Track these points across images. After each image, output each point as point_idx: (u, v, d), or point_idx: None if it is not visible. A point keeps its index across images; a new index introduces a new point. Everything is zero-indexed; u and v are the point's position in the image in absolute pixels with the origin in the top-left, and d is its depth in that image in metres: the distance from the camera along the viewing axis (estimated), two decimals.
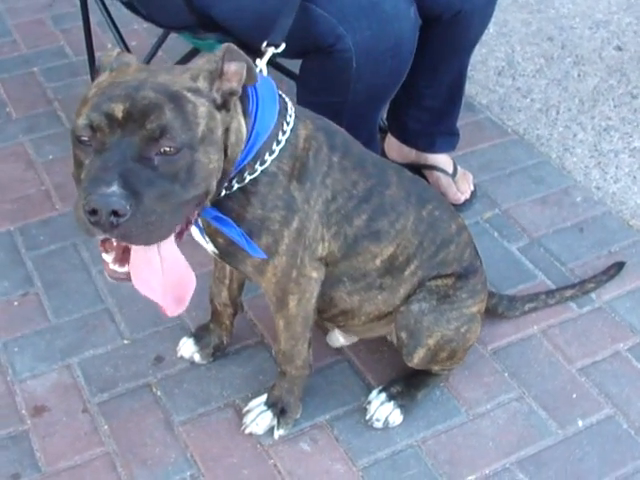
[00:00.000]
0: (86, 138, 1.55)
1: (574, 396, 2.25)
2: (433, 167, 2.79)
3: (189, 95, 1.60)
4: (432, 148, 2.79)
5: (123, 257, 1.66)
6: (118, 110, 1.53)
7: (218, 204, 1.79)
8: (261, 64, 1.98)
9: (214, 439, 2.15)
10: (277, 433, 2.15)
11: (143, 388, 2.27)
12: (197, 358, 2.31)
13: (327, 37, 2.22)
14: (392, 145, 2.85)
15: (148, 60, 3.01)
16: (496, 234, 2.69)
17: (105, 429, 2.17)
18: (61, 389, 2.27)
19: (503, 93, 3.31)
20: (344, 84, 2.28)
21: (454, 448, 2.13)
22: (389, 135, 2.86)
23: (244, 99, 1.74)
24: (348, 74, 2.25)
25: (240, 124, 1.72)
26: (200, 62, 1.67)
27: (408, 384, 2.22)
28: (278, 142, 1.80)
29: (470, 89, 3.21)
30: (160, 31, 3.12)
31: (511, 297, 2.43)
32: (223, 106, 1.66)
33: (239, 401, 2.23)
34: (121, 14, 2.95)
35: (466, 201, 2.77)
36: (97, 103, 1.54)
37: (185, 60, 2.91)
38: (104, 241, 1.66)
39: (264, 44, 2.03)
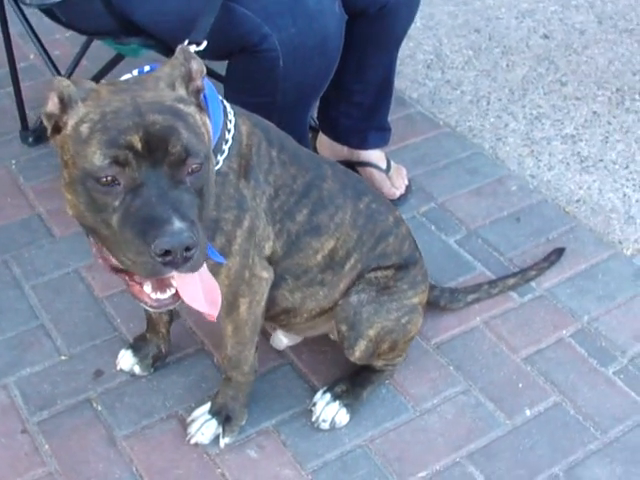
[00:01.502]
0: (110, 178, 1.47)
1: (520, 386, 2.24)
2: (366, 163, 2.77)
3: (182, 107, 1.55)
4: (364, 144, 2.77)
5: (161, 283, 1.59)
6: (136, 141, 1.46)
7: None
8: None
9: (159, 452, 2.10)
10: (223, 441, 2.10)
11: (83, 404, 2.21)
12: (137, 370, 2.26)
13: (252, 36, 2.18)
14: (324, 143, 2.82)
15: (72, 69, 2.95)
16: (433, 227, 2.67)
17: (46, 449, 2.11)
18: None
19: (433, 86, 3.30)
20: (272, 84, 2.25)
21: (403, 445, 2.11)
22: (320, 133, 2.83)
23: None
24: (275, 73, 2.22)
25: (208, 125, 1.67)
26: (165, 69, 1.61)
27: (353, 383, 2.19)
28: (226, 141, 1.76)
29: (400, 83, 3.19)
30: (83, 40, 3.06)
31: (453, 289, 2.42)
32: (199, 107, 1.62)
33: (182, 411, 2.18)
34: (42, 23, 2.87)
35: (401, 196, 2.75)
36: (109, 139, 1.46)
37: (110, 67, 2.85)
38: (130, 277, 1.60)
39: (185, 42, 1.99)
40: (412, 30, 3.47)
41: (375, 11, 2.44)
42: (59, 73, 2.76)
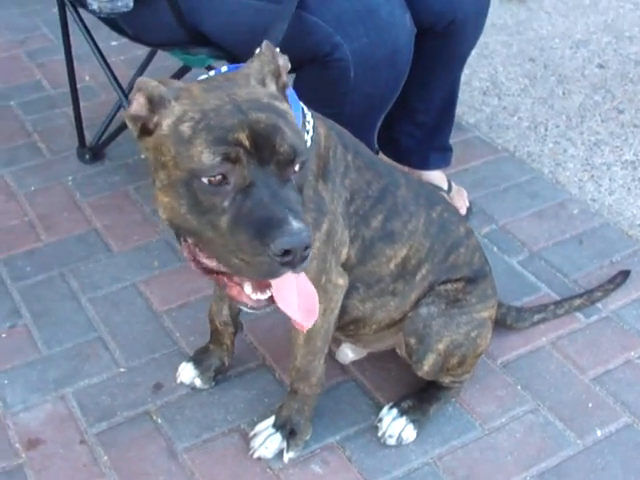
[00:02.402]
0: (221, 177, 1.43)
1: (590, 405, 2.18)
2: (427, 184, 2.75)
3: (278, 104, 1.52)
4: (426, 165, 2.74)
5: (261, 284, 1.55)
6: (244, 138, 1.43)
7: None
8: None
9: (221, 465, 2.05)
10: (287, 456, 2.05)
11: (143, 416, 2.17)
12: (198, 383, 2.22)
13: (323, 46, 2.17)
14: None
15: (128, 90, 2.95)
16: (495, 249, 2.64)
17: (105, 460, 2.07)
18: (56, 420, 2.16)
19: (490, 112, 3.29)
20: (341, 94, 2.23)
21: (472, 463, 2.05)
22: (381, 154, 2.81)
23: None
24: (345, 84, 2.21)
25: None
26: (254, 66, 1.59)
27: (419, 399, 2.14)
28: (305, 142, 1.68)
29: (457, 109, 3.17)
30: (139, 62, 3.07)
31: (519, 308, 2.37)
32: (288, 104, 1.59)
33: (244, 425, 2.13)
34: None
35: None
36: (217, 137, 1.43)
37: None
38: (229, 278, 1.56)
39: (256, 51, 1.98)
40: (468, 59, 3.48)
41: (442, 28, 2.43)
42: (122, 91, 2.76)
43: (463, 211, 2.73)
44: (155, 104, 1.50)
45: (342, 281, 1.90)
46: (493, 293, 2.14)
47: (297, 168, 1.48)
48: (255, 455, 2.05)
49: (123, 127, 2.97)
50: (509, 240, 2.67)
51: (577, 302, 2.41)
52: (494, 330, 2.25)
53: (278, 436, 2.06)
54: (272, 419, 2.09)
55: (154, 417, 2.16)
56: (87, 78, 3.44)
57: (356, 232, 1.89)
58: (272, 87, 1.57)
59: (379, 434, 2.10)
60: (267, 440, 2.06)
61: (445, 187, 2.75)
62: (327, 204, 1.78)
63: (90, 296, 2.48)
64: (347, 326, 2.07)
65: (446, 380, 2.13)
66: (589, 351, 2.32)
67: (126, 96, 2.78)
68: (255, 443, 2.07)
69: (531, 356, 2.31)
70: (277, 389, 2.20)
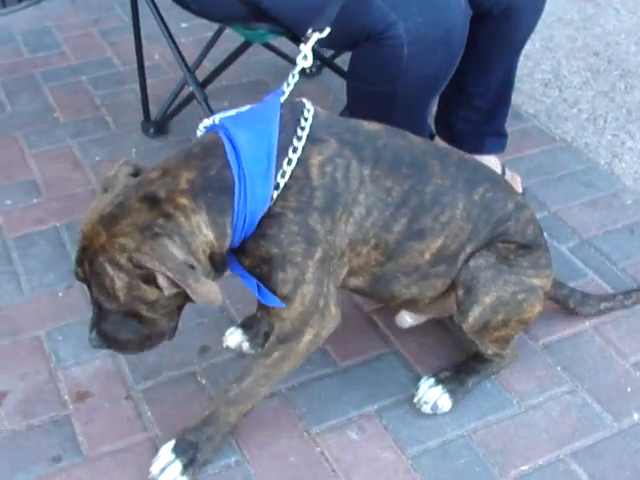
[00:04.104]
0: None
1: (629, 390, 2.19)
2: None
3: (109, 269, 1.74)
4: (481, 149, 2.76)
5: None
6: (79, 272, 1.81)
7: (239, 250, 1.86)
8: (306, 49, 2.00)
9: (260, 427, 2.11)
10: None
11: (188, 376, 2.24)
12: (245, 347, 2.28)
13: (378, 24, 2.21)
14: None
15: (196, 67, 3.02)
16: (545, 234, 2.61)
17: (149, 415, 2.14)
18: (104, 376, 2.24)
19: (550, 103, 3.29)
20: (394, 73, 2.26)
21: (506, 439, 2.08)
22: (437, 137, 2.84)
23: (224, 207, 1.77)
24: (399, 62, 2.24)
25: (208, 236, 1.77)
26: (139, 240, 1.72)
27: (458, 370, 2.17)
28: (277, 186, 1.80)
29: (517, 99, 3.20)
30: (204, 41, 3.15)
31: (585, 294, 2.37)
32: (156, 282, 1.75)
33: (285, 390, 2.19)
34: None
35: None
36: (75, 258, 1.82)
37: (236, 55, 2.94)
38: None
39: (309, 30, 2.03)
40: (531, 50, 3.50)
41: (499, 12, 2.45)
42: (188, 69, 2.85)
43: None
44: (104, 188, 1.88)
45: (335, 311, 1.96)
46: (547, 265, 2.14)
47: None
48: None
49: (187, 104, 3.06)
50: (560, 227, 2.68)
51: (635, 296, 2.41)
52: (553, 311, 2.28)
53: (178, 464, 1.98)
54: (173, 442, 2.01)
55: (199, 378, 2.23)
56: (156, 57, 3.54)
57: (377, 241, 1.93)
58: (123, 260, 1.74)
59: (415, 400, 2.13)
60: (167, 469, 1.98)
61: (499, 172, 2.75)
62: (321, 235, 1.83)
63: None
64: (402, 305, 2.12)
65: (488, 350, 2.14)
66: (632, 337, 2.33)
67: (192, 74, 2.86)
68: (154, 469, 1.99)
69: (573, 339, 2.32)
70: (319, 357, 2.25)
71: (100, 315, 1.84)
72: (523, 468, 2.01)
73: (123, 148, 3.06)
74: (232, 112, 1.90)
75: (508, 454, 2.04)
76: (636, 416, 2.13)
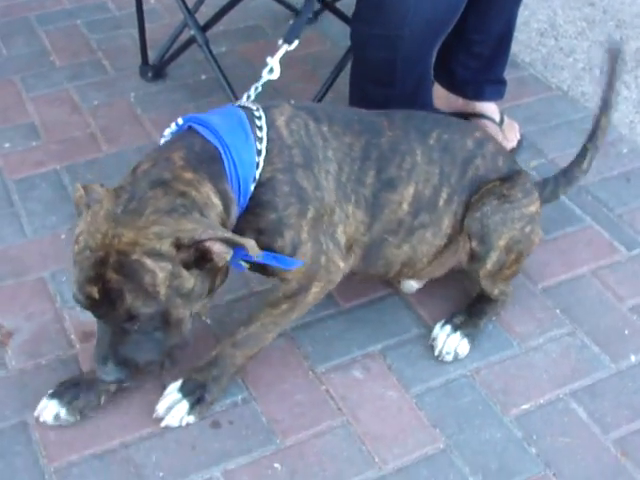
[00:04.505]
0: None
1: (626, 332, 2.24)
2: (480, 115, 2.79)
3: (148, 262, 1.67)
4: (480, 96, 2.78)
5: None
6: (94, 292, 1.70)
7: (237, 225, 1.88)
8: (273, 62, 2.16)
9: (265, 366, 2.14)
10: (186, 419, 2.00)
11: (192, 316, 2.25)
12: (63, 414, 2.03)
13: None
14: (439, 94, 2.84)
15: (194, 11, 3.00)
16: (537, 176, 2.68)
17: None
18: None
19: (546, 52, 3.31)
20: (401, 16, 2.26)
21: (508, 378, 2.12)
22: (436, 84, 2.85)
23: (220, 174, 1.81)
24: (407, 6, 2.24)
25: (218, 206, 1.79)
26: (172, 222, 1.69)
27: (469, 313, 2.21)
28: (259, 152, 1.85)
29: (513, 47, 3.15)
30: None
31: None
32: (196, 264, 1.73)
33: (290, 330, 2.21)
34: None
35: (513, 149, 2.76)
36: (79, 282, 1.72)
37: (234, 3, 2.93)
38: None
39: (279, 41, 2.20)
40: (527, 0, 3.50)
41: None
42: (188, 10, 2.85)
43: (514, 144, 2.77)
44: (78, 213, 1.80)
45: (343, 264, 2.00)
46: (532, 187, 2.19)
47: (139, 324, 1.74)
48: (162, 424, 2.00)
49: (185, 48, 3.05)
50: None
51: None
52: (535, 256, 2.32)
53: (185, 404, 2.01)
54: (179, 382, 2.03)
55: (203, 317, 2.25)
56: (152, 1, 3.53)
57: (356, 197, 1.99)
58: (168, 248, 1.68)
59: (436, 353, 2.16)
60: (174, 408, 2.01)
61: (497, 119, 2.79)
62: (309, 192, 1.89)
63: None
64: (401, 272, 2.16)
65: (495, 290, 2.19)
66: (629, 282, 2.37)
67: (193, 17, 2.86)
68: (160, 408, 2.02)
69: (571, 283, 2.37)
70: (323, 298, 2.28)
71: (117, 340, 1.76)
72: (524, 407, 2.06)
73: (122, 92, 3.05)
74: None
75: (510, 393, 2.09)
76: (633, 358, 2.18)
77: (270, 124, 1.89)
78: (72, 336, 2.20)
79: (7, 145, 2.82)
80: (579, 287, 2.36)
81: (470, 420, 2.03)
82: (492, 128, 2.76)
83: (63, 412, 1.98)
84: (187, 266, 1.71)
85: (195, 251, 1.70)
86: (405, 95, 2.41)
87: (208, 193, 1.77)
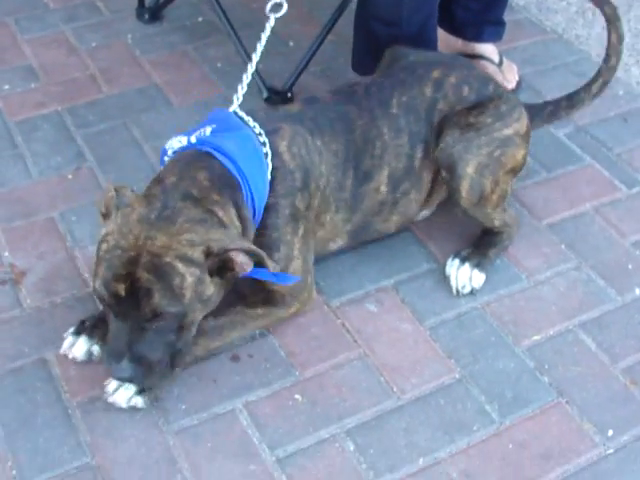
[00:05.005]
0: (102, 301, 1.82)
1: (630, 267, 2.29)
2: (480, 56, 2.81)
3: (180, 266, 1.76)
4: (480, 37, 2.81)
5: None
6: (121, 289, 1.76)
7: None
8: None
9: None
10: (134, 400, 1.94)
11: None
12: (96, 352, 2.06)
13: None
14: (439, 36, 2.84)
15: None
16: None
17: None
18: None
19: None
20: None
21: (518, 311, 2.18)
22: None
23: (241, 201, 1.91)
24: None
25: (239, 228, 1.89)
26: (203, 231, 1.79)
27: (476, 245, 2.27)
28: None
29: None
30: None
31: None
32: (218, 272, 1.83)
33: None
34: None
35: (512, 90, 2.79)
36: (105, 279, 1.77)
37: None
38: None
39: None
40: None
41: None
42: None
43: (513, 85, 2.81)
44: (107, 213, 1.84)
45: (314, 293, 2.15)
46: (510, 109, 2.22)
47: (159, 323, 1.79)
48: (110, 400, 1.94)
49: None
50: None
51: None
52: (539, 193, 2.37)
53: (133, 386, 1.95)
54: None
55: None
56: None
57: (336, 204, 2.11)
58: (198, 255, 1.77)
59: (453, 291, 2.21)
60: (123, 387, 1.95)
61: (496, 60, 2.82)
62: (302, 211, 2.02)
63: (153, 144, 2.58)
64: (399, 228, 2.30)
65: (494, 222, 2.25)
66: (630, 218, 2.43)
67: None
68: (110, 387, 1.96)
69: (575, 219, 2.42)
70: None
71: (133, 338, 1.80)
72: (535, 338, 2.12)
73: (118, 34, 3.04)
74: (188, 136, 2.00)
75: (520, 325, 2.14)
76: (638, 291, 2.24)
77: (274, 152, 1.97)
78: (86, 275, 2.22)
79: (6, 87, 2.81)
80: (582, 223, 2.41)
81: (484, 351, 2.08)
82: (491, 69, 2.80)
83: (96, 349, 2.01)
84: (210, 274, 1.81)
85: (219, 260, 1.80)
86: (411, 35, 2.44)
87: (231, 215, 1.87)
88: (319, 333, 2.11)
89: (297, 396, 1.98)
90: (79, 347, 2.00)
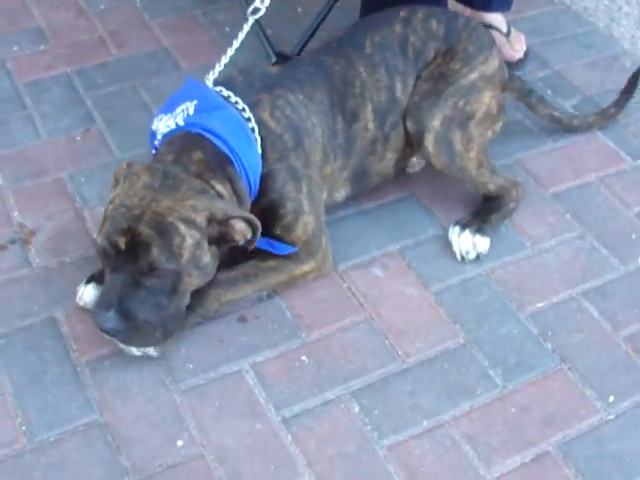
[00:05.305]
0: (101, 254, 1.88)
1: (633, 237, 2.31)
2: (488, 26, 2.79)
3: (181, 227, 1.83)
4: (488, 6, 2.81)
5: None
6: (121, 242, 1.82)
7: None
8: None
9: None
10: (146, 348, 1.98)
11: None
12: None
13: None
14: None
15: None
16: (549, 92, 2.73)
17: None
18: None
19: None
20: None
21: (522, 278, 2.20)
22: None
23: (235, 176, 1.96)
24: None
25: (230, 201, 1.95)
26: (206, 200, 1.86)
27: (476, 212, 2.30)
28: (260, 155, 2.02)
29: None
30: None
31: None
32: (216, 242, 1.90)
33: None
34: None
35: (519, 60, 2.81)
36: (108, 232, 1.83)
37: None
38: None
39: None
40: None
41: None
42: None
43: (520, 55, 2.81)
44: (116, 182, 1.94)
45: (331, 262, 2.18)
46: (478, 49, 2.26)
47: (152, 279, 1.84)
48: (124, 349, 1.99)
49: None
50: (563, 85, 2.77)
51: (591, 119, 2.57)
52: (544, 163, 2.41)
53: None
54: None
55: None
56: None
57: (334, 153, 2.15)
58: (201, 219, 1.85)
59: (458, 258, 2.23)
60: None
61: (504, 30, 2.82)
62: (300, 169, 2.05)
63: None
64: (403, 165, 2.32)
65: (488, 185, 2.28)
66: (635, 189, 2.44)
67: None
68: None
69: (580, 189, 2.44)
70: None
71: (125, 291, 1.84)
72: (539, 305, 2.14)
73: None
74: (174, 117, 2.04)
75: (524, 292, 2.17)
76: None
77: (259, 123, 2.01)
78: (94, 235, 2.23)
79: (15, 48, 2.82)
80: (587, 193, 2.42)
81: (488, 317, 2.11)
82: (499, 39, 2.79)
83: None
84: (209, 242, 1.89)
85: (219, 230, 1.87)
86: None
87: (228, 189, 1.93)
88: (325, 296, 2.13)
89: (303, 357, 2.01)
90: (88, 293, 2.05)
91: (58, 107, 2.60)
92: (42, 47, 2.83)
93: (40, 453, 1.82)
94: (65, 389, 1.92)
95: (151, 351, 1.96)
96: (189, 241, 1.83)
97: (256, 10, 2.21)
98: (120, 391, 1.93)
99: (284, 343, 2.03)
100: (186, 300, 1.93)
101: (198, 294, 1.99)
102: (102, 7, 3.00)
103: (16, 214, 2.29)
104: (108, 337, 1.89)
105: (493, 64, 2.26)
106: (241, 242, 1.91)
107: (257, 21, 2.57)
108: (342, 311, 2.10)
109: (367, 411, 1.91)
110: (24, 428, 1.85)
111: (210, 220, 1.85)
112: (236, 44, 2.19)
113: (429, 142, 2.19)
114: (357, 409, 1.91)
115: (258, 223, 1.89)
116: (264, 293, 2.12)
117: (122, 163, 1.95)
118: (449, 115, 2.18)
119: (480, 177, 2.25)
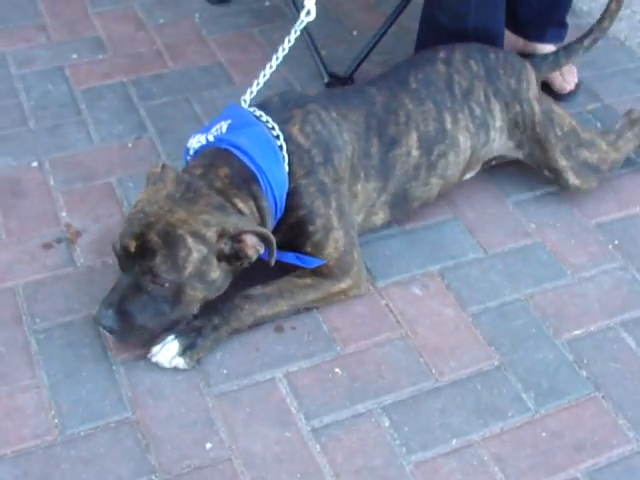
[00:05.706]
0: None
1: None
2: None
3: (189, 240, 1.87)
4: (542, 38, 2.82)
5: None
6: (131, 245, 1.89)
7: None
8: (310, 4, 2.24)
9: None
10: (176, 360, 1.98)
11: None
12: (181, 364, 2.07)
13: None
14: None
15: None
16: (599, 124, 2.73)
17: None
18: None
19: (604, 2, 3.31)
20: None
21: (561, 305, 2.19)
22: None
23: (260, 194, 2.00)
24: None
25: (257, 218, 2.00)
26: (220, 215, 1.91)
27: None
28: (288, 173, 2.05)
29: None
30: None
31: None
32: (227, 258, 1.93)
33: None
34: None
35: (570, 92, 2.81)
36: (123, 234, 1.91)
37: None
38: None
39: None
40: None
41: None
42: None
43: (572, 87, 2.82)
44: (147, 184, 2.01)
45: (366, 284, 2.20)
46: (518, 80, 2.36)
47: (154, 285, 1.90)
48: (153, 359, 2.00)
49: None
50: (613, 118, 2.74)
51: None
52: (591, 193, 2.40)
53: (176, 345, 1.98)
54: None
55: None
56: None
57: (365, 172, 2.16)
58: (212, 234, 1.89)
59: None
60: (165, 347, 1.99)
61: None
62: (329, 184, 2.07)
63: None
64: (441, 193, 2.36)
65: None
66: None
67: None
68: (155, 348, 2.00)
69: (625, 220, 2.43)
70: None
71: (128, 294, 1.91)
72: (576, 332, 2.13)
73: (187, 12, 3.11)
74: (206, 135, 2.09)
75: (562, 319, 2.16)
76: None
77: (288, 139, 2.05)
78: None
79: (74, 56, 2.89)
80: (632, 225, 2.41)
81: (524, 341, 2.10)
82: None
83: None
84: (219, 258, 1.92)
85: (232, 246, 1.90)
86: (477, 28, 2.46)
87: (250, 206, 1.97)
88: (363, 312, 2.14)
89: (337, 370, 2.02)
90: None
91: (112, 114, 2.66)
92: (100, 56, 2.90)
93: (70, 446, 1.84)
94: (99, 385, 1.95)
95: (181, 364, 1.98)
96: (195, 255, 1.88)
97: (308, 13, 2.24)
98: (153, 391, 1.95)
99: (318, 355, 2.04)
100: (192, 310, 1.97)
101: (234, 307, 2.02)
102: (161, 21, 3.06)
103: (64, 214, 2.34)
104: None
105: (532, 79, 2.38)
106: (254, 257, 1.94)
107: (312, 41, 2.63)
108: (378, 327, 2.11)
109: (397, 426, 1.91)
110: (56, 421, 1.88)
111: (221, 235, 1.89)
112: (284, 51, 2.26)
113: (573, 180, 2.37)
114: (387, 424, 1.91)
115: (271, 237, 1.92)
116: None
117: (157, 165, 2.02)
118: (563, 147, 2.29)
119: (615, 150, 2.43)
